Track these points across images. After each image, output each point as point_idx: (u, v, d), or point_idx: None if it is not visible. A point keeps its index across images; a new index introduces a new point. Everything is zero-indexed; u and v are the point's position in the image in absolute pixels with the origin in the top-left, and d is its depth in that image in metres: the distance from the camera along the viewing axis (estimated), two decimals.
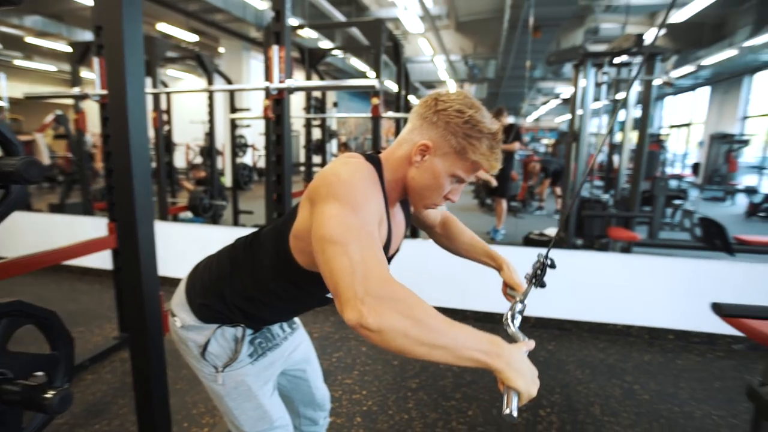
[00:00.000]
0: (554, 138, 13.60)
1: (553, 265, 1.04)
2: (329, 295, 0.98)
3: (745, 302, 1.63)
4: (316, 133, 5.69)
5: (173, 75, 12.31)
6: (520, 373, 0.64)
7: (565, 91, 12.83)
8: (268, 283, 0.94)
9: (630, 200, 3.92)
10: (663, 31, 7.35)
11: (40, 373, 1.12)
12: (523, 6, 5.79)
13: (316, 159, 5.67)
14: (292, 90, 1.88)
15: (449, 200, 0.87)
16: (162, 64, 5.78)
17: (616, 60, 3.66)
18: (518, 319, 0.92)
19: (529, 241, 4.71)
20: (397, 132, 4.34)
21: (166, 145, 5.46)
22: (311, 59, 4.23)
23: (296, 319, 1.21)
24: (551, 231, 4.73)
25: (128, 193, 1.19)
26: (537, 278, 1.01)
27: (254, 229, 1.04)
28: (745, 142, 8.62)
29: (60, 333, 1.20)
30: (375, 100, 3.28)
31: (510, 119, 4.83)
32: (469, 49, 10.52)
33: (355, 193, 0.72)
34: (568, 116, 4.50)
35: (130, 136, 1.15)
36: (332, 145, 9.26)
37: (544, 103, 16.66)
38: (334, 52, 9.05)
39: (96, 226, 3.51)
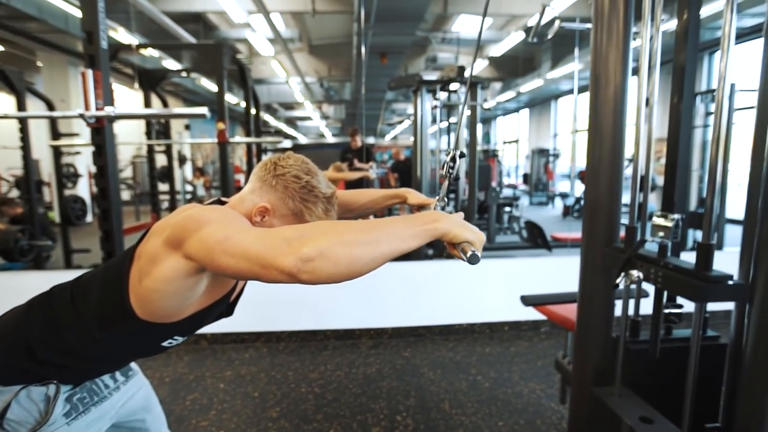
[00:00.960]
0: (407, 155, 14.58)
1: (462, 155, 1.04)
2: (165, 344, 0.93)
3: (561, 289, 1.98)
4: (163, 159, 5.25)
5: None
6: (465, 227, 0.68)
7: None
8: (93, 335, 0.85)
9: (467, 209, 4.43)
10: (485, 64, 8.54)
11: None
12: (368, 34, 6.20)
13: (163, 187, 5.23)
14: (112, 118, 1.73)
15: None
16: None
17: (447, 87, 4.14)
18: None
19: None
20: (248, 155, 4.26)
21: None
22: (149, 81, 3.93)
23: (133, 365, 1.11)
24: None
25: None
26: (450, 170, 1.00)
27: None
28: (557, 155, 10.42)
29: None
30: (221, 125, 3.19)
31: (369, 140, 5.09)
32: (323, 71, 10.81)
33: (226, 214, 0.76)
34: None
35: None
36: (186, 171, 8.65)
37: (399, 123, 17.86)
38: (184, 72, 8.51)
39: None
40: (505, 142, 14.63)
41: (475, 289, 3.12)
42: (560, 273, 3.18)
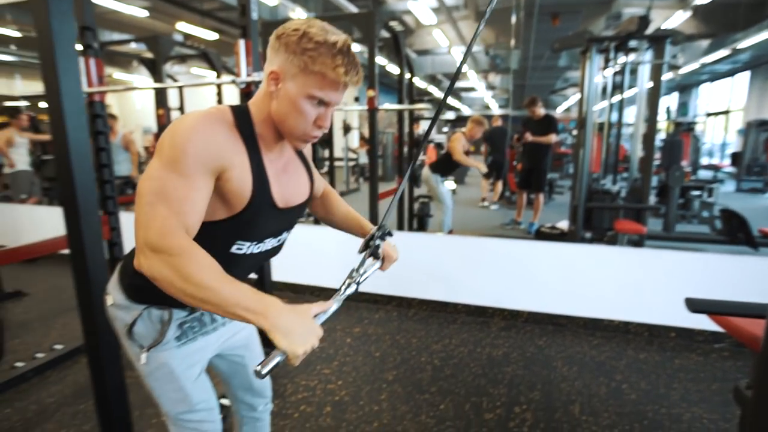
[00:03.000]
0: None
1: (389, 233, 1.11)
2: (234, 250, 0.92)
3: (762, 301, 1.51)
4: None
5: (200, 73, 12.61)
6: (285, 333, 0.70)
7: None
8: None
9: (642, 191, 3.75)
10: (686, 16, 6.96)
11: None
12: None
13: (324, 153, 5.70)
14: (257, 83, 1.88)
15: (321, 127, 0.86)
16: (176, 62, 5.96)
17: (625, 45, 3.48)
18: (352, 288, 0.93)
19: (540, 235, 4.59)
20: (400, 123, 4.30)
21: None
22: None
23: None
24: (563, 224, 4.59)
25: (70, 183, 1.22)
26: (370, 248, 1.06)
27: None
28: None
29: None
30: (370, 93, 3.26)
31: (543, 110, 4.63)
32: (490, 39, 10.27)
33: (182, 147, 0.76)
34: (602, 104, 4.23)
35: (68, 131, 1.18)
36: (351, 139, 9.21)
37: (574, 93, 16.10)
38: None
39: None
40: (708, 114, 11.96)
41: (639, 283, 2.64)
42: (765, 279, 2.47)
